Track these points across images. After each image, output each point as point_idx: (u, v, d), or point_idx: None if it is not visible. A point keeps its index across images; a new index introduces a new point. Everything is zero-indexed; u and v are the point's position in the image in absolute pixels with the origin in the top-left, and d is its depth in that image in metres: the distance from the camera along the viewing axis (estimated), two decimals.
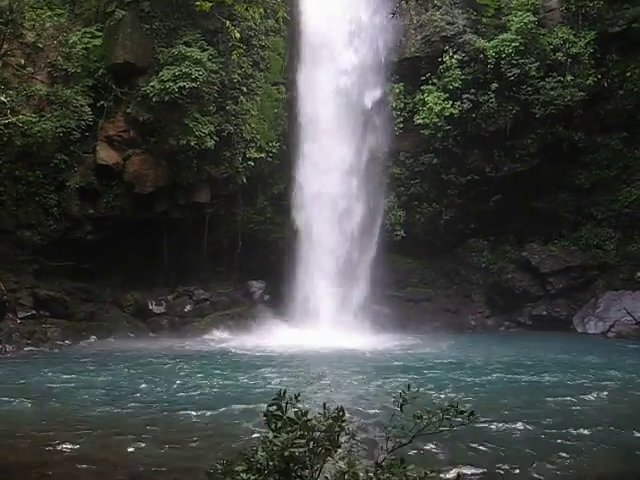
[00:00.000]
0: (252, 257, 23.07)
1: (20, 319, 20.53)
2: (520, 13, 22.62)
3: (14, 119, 19.27)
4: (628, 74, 22.94)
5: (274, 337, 20.33)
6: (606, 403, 12.26)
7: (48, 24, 20.94)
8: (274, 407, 4.02)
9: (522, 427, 10.25)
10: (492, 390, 13.49)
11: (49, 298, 21.33)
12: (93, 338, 20.52)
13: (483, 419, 9.93)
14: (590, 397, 12.47)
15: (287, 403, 4.02)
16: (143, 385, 13.81)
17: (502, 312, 24.30)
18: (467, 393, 12.81)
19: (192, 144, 20.92)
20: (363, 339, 19.53)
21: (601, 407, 11.98)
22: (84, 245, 22.26)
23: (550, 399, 12.38)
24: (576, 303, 23.92)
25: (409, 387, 4.18)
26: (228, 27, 14.32)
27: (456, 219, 24.47)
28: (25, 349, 18.87)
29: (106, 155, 21.77)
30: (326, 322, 20.87)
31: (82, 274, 22.13)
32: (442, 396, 12.00)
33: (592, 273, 24.24)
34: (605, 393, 12.82)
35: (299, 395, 4.10)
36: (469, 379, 14.57)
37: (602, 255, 24.35)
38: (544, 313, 23.80)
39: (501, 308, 24.36)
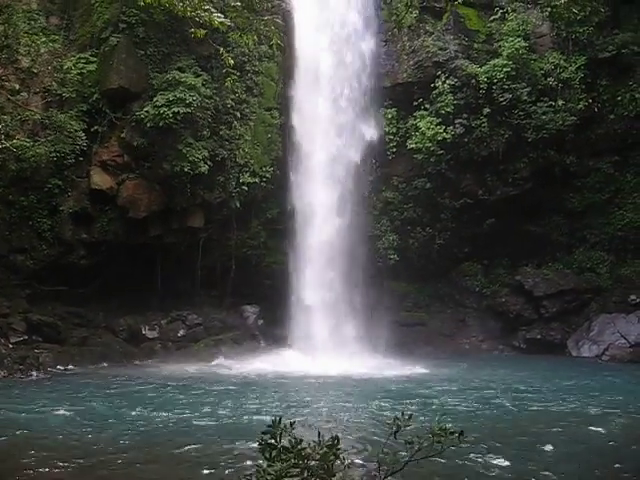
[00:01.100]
0: (246, 282, 23.01)
1: (12, 344, 20.36)
2: (511, 39, 22.87)
3: (8, 144, 19.28)
4: (619, 98, 23.17)
5: (268, 362, 20.21)
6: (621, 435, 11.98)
7: (43, 50, 21.00)
8: (268, 435, 3.99)
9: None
10: (502, 418, 13.22)
11: (42, 323, 21.18)
12: (85, 364, 20.35)
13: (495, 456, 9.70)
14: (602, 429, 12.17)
15: (281, 431, 3.99)
16: (133, 412, 13.66)
17: (496, 336, 24.30)
18: (471, 421, 12.46)
19: (186, 169, 20.96)
20: (357, 364, 19.44)
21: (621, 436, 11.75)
22: (77, 270, 22.17)
23: (570, 427, 12.12)
24: (570, 326, 23.93)
25: (403, 414, 4.17)
26: (222, 54, 14.45)
27: (450, 243, 24.54)
28: (16, 374, 18.71)
29: (100, 180, 21.77)
30: (320, 347, 20.75)
31: (75, 299, 22.00)
32: (449, 425, 11.76)
33: (586, 296, 24.28)
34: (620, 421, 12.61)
35: (294, 423, 4.07)
36: (471, 405, 14.40)
37: (595, 278, 24.41)
38: (538, 337, 23.79)
39: (495, 332, 24.35)
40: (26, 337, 20.73)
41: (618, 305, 23.72)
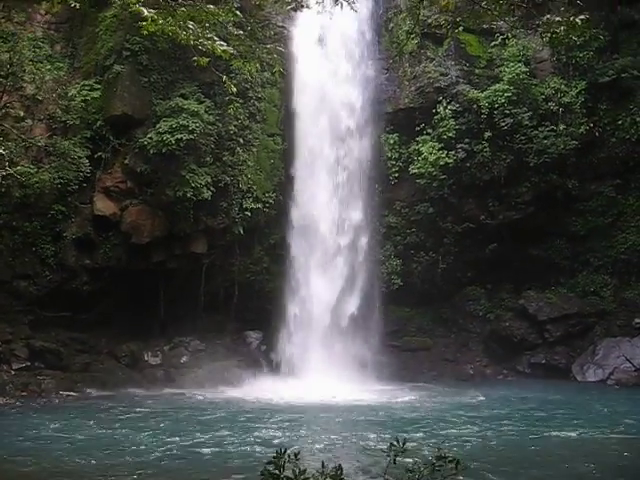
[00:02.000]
0: (249, 307, 22.99)
1: (14, 370, 20.37)
2: (512, 64, 23.01)
3: (12, 171, 19.38)
4: (619, 122, 23.27)
5: (271, 389, 20.11)
6: None
7: (48, 77, 21.20)
8: (272, 466, 3.97)
9: None
10: (520, 447, 13.00)
11: (44, 349, 21.19)
12: (88, 390, 20.28)
13: None
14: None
15: (285, 462, 3.97)
16: (137, 439, 13.59)
17: (500, 360, 24.15)
18: (488, 451, 12.18)
19: (189, 195, 21.04)
20: (360, 390, 19.36)
21: None
22: (80, 295, 22.14)
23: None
24: (575, 350, 23.80)
25: (398, 440, 4.15)
26: (225, 81, 14.57)
27: (453, 267, 24.50)
28: (19, 401, 18.64)
29: (103, 206, 21.85)
30: (323, 374, 20.60)
31: (78, 325, 21.99)
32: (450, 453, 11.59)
33: (590, 320, 24.17)
34: None
35: (299, 454, 4.05)
36: (483, 433, 14.23)
37: (599, 302, 24.33)
38: (543, 361, 23.66)
39: (499, 356, 24.21)
40: (28, 363, 20.74)
41: (622, 329, 23.62)
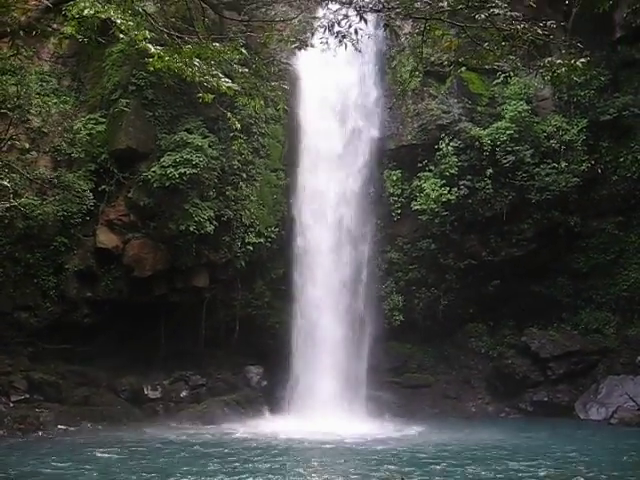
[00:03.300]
0: (250, 342, 22.88)
1: (13, 402, 20.32)
2: (514, 102, 23.19)
3: (17, 202, 19.47)
4: (621, 160, 23.40)
5: (271, 425, 20.00)
6: None
7: (54, 110, 21.42)
8: None
9: None
10: None
11: (43, 382, 21.13)
12: (86, 424, 20.14)
13: None
14: None
15: None
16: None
17: (503, 398, 23.97)
18: None
19: (191, 229, 21.11)
20: (362, 428, 19.21)
21: None
22: (80, 328, 22.11)
23: None
24: (577, 388, 23.64)
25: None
26: (229, 118, 14.75)
27: (455, 304, 24.43)
28: (16, 434, 18.50)
29: (106, 239, 21.90)
30: (322, 410, 20.46)
31: (77, 357, 21.93)
32: None
33: (592, 358, 24.04)
34: None
35: None
36: (484, 473, 14.04)
37: (602, 339, 24.23)
38: (545, 399, 23.49)
39: (502, 394, 24.04)
40: (27, 396, 20.69)
41: (625, 366, 23.48)
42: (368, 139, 23.41)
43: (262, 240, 22.66)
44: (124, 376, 22.38)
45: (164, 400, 22.22)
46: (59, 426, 19.65)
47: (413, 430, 19.74)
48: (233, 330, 23.09)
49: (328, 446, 17.32)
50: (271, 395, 22.53)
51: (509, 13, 11.59)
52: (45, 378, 21.17)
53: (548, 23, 12.63)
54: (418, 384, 24.07)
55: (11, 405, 20.18)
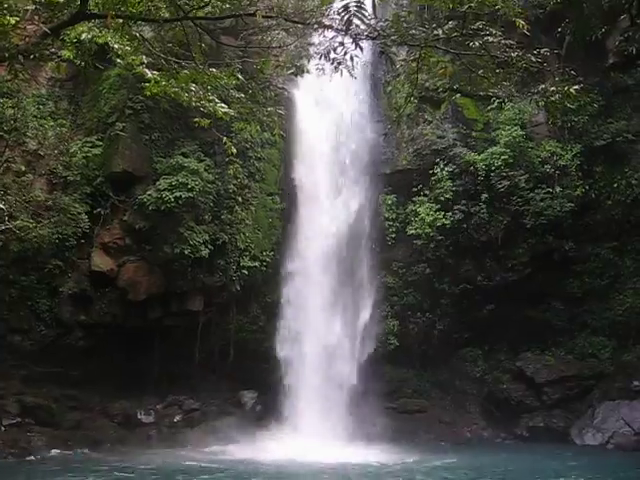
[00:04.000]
0: (244, 366, 22.76)
1: (4, 426, 20.12)
2: (508, 127, 23.37)
3: (11, 225, 19.44)
4: (615, 185, 23.52)
5: (265, 450, 19.82)
6: None
7: (50, 133, 21.45)
8: None
9: None
10: None
11: (35, 405, 20.93)
12: (79, 448, 19.95)
13: None
14: None
15: None
16: None
17: (498, 423, 23.86)
18: None
19: (186, 252, 21.12)
20: (357, 453, 19.08)
21: None
22: (74, 351, 21.96)
23: None
24: (573, 414, 23.54)
25: None
26: (225, 143, 14.82)
27: (450, 329, 24.42)
28: (8, 459, 18.32)
29: (101, 262, 21.85)
30: (319, 436, 20.33)
31: (70, 381, 21.73)
32: None
33: (588, 383, 23.98)
34: None
35: None
36: None
37: (597, 364, 24.17)
38: (541, 424, 23.37)
39: (497, 419, 23.93)
40: (19, 419, 20.48)
41: (621, 391, 23.39)
42: (363, 164, 23.52)
43: (257, 264, 22.65)
44: (117, 400, 22.21)
45: (157, 425, 22.05)
46: (51, 451, 19.45)
47: (409, 458, 19.57)
48: (227, 354, 22.99)
49: (324, 472, 17.18)
50: (265, 420, 22.38)
51: (503, 41, 11.72)
52: (37, 402, 20.96)
53: (542, 51, 12.78)
54: (413, 409, 23.94)
55: (2, 429, 19.99)
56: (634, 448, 21.01)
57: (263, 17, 12.52)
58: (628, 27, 20.42)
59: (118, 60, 15.32)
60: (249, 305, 23.38)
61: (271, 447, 20.18)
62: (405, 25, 11.75)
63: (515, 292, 23.71)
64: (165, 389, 22.61)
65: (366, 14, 9.60)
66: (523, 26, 11.37)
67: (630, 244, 24.22)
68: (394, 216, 23.80)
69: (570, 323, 24.79)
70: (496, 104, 23.61)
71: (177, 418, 22.28)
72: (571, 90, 11.91)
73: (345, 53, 11.15)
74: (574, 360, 24.30)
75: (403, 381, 24.35)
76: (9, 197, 19.84)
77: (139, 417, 22.13)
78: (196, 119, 15.17)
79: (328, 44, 11.32)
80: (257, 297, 23.44)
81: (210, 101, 13.51)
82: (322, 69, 12.00)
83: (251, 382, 23.06)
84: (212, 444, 20.92)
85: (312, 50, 13.23)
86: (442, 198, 22.97)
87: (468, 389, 24.75)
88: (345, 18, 9.36)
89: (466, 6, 10.70)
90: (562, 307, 24.70)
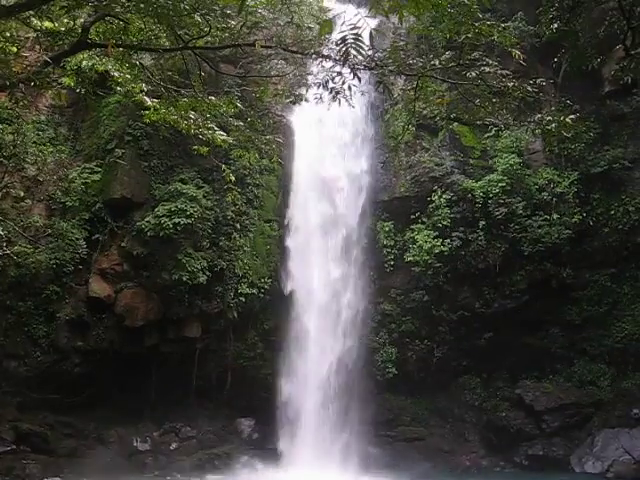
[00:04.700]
0: (241, 393, 22.65)
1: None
2: (505, 155, 23.46)
3: (9, 251, 19.46)
4: (612, 212, 23.53)
5: (262, 478, 19.66)
6: None
7: (50, 159, 21.60)
8: None
9: None
10: None
11: (31, 432, 20.78)
12: (74, 476, 19.72)
13: None
14: None
15: None
16: None
17: (497, 452, 23.61)
18: None
19: (184, 279, 21.13)
20: None
21: None
22: (70, 377, 21.89)
23: None
24: (573, 442, 23.30)
25: None
26: (224, 170, 14.91)
27: (448, 356, 24.28)
28: None
29: (98, 288, 21.83)
30: (316, 464, 20.16)
31: (66, 407, 21.63)
32: None
33: (587, 410, 23.76)
34: None
35: None
36: None
37: (597, 392, 23.99)
38: (540, 453, 23.11)
39: (496, 447, 23.68)
40: (14, 447, 20.31)
41: (620, 419, 23.19)
42: (361, 191, 23.61)
43: (255, 291, 22.63)
44: (113, 427, 22.07)
45: (153, 452, 21.88)
46: (46, 478, 19.26)
47: None
48: (224, 381, 22.90)
49: None
50: (262, 448, 22.18)
51: (500, 71, 11.84)
52: (33, 429, 20.82)
53: (538, 81, 12.90)
54: (412, 437, 23.67)
55: None
56: (634, 477, 20.80)
57: (262, 47, 12.66)
58: (623, 57, 20.60)
59: (118, 87, 15.42)
60: (247, 332, 23.30)
61: (268, 475, 20.02)
62: (403, 55, 11.88)
63: (513, 319, 23.65)
64: (162, 416, 22.46)
65: (363, 45, 9.68)
66: (519, 56, 11.52)
67: (628, 271, 24.18)
68: (392, 243, 23.79)
69: (569, 350, 24.69)
70: (493, 132, 23.76)
71: (173, 446, 22.11)
72: (567, 120, 12.02)
73: (343, 82, 11.28)
74: (573, 388, 24.13)
75: (401, 409, 24.14)
76: (7, 222, 19.88)
77: (135, 444, 21.96)
78: (195, 146, 15.33)
79: (326, 74, 11.45)
80: (255, 324, 23.37)
81: (209, 129, 13.65)
82: (320, 98, 12.12)
83: (248, 409, 22.93)
84: (208, 473, 20.73)
85: (310, 79, 13.33)
86: (440, 225, 22.99)
87: (467, 417, 24.55)
88: (343, 50, 9.43)
89: (463, 36, 10.82)
90: (561, 334, 24.61)
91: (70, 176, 21.93)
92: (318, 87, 11.70)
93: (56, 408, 21.45)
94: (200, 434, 22.47)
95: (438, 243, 22.75)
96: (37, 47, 15.57)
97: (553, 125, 12.47)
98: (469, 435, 24.27)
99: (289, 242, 23.10)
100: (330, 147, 23.44)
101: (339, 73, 11.21)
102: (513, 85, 11.80)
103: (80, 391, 21.84)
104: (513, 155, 23.38)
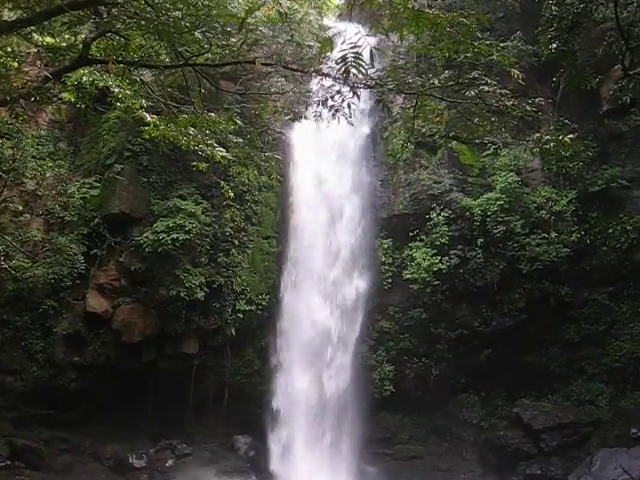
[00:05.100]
0: (238, 410, 22.53)
1: None
2: (504, 173, 23.53)
3: (7, 265, 19.43)
4: (610, 231, 23.53)
5: None
6: None
7: (49, 174, 21.60)
8: None
9: None
10: None
11: (26, 448, 20.61)
12: None
13: None
14: None
15: None
16: None
17: (495, 471, 23.41)
18: None
19: (182, 295, 21.09)
20: None
21: None
22: (66, 393, 21.77)
23: None
24: (571, 461, 23.08)
25: None
26: (223, 187, 14.92)
27: (446, 374, 24.18)
28: None
29: (96, 303, 21.77)
30: None
31: (62, 423, 21.52)
32: None
33: (586, 429, 23.60)
34: None
35: None
36: None
37: (595, 411, 23.83)
38: (538, 472, 22.90)
39: (494, 467, 23.48)
40: (9, 462, 20.10)
41: (619, 439, 22.99)
42: (360, 209, 23.66)
43: (253, 307, 22.59)
44: (109, 443, 21.91)
45: (149, 469, 21.67)
46: None
47: None
48: (221, 398, 22.77)
49: None
50: (259, 466, 22.03)
51: (498, 90, 11.90)
52: (28, 444, 20.65)
53: (537, 100, 12.98)
54: (409, 455, 23.52)
55: None
56: None
57: (262, 64, 12.70)
58: (622, 77, 20.72)
59: (118, 103, 15.49)
60: (244, 348, 23.22)
61: None
62: (402, 74, 11.95)
63: (512, 337, 23.57)
64: (158, 433, 22.31)
65: (363, 63, 9.74)
66: (518, 75, 11.57)
67: (626, 290, 24.12)
68: (390, 260, 23.79)
69: (567, 369, 24.58)
70: (492, 150, 23.82)
71: (169, 463, 21.92)
72: (566, 139, 12.07)
73: (343, 101, 11.33)
74: (571, 407, 23.98)
75: (399, 427, 24.01)
76: (6, 237, 19.88)
77: (131, 461, 21.75)
78: (194, 162, 15.38)
79: (326, 92, 11.50)
80: (252, 341, 23.31)
81: (208, 145, 13.68)
82: (320, 115, 12.17)
83: (245, 426, 22.79)
84: None
85: (310, 97, 13.40)
86: (438, 243, 23.00)
87: (465, 435, 24.40)
88: (343, 68, 9.49)
89: (462, 56, 10.88)
90: (559, 353, 24.51)
91: (69, 191, 21.92)
92: (318, 105, 11.76)
93: (52, 423, 21.34)
94: (196, 451, 22.30)
95: (436, 261, 22.75)
96: (38, 62, 15.67)
97: (551, 144, 12.52)
98: (467, 454, 24.11)
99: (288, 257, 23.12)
100: (329, 164, 23.49)
101: (338, 92, 11.27)
102: (512, 104, 11.87)
103: (76, 406, 21.74)
104: (511, 173, 23.44)
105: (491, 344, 23.77)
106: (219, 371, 22.91)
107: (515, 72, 11.41)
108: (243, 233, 22.99)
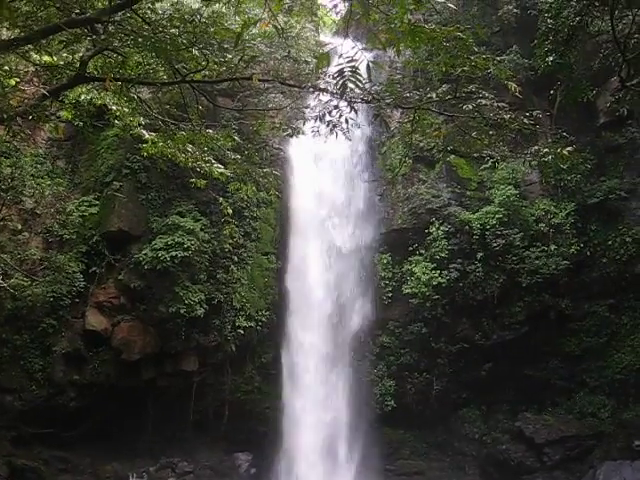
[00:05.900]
0: (239, 427, 22.39)
1: None
2: (502, 186, 23.53)
3: (6, 284, 19.37)
4: (609, 243, 23.52)
5: None
6: None
7: (47, 192, 21.58)
8: None
9: None
10: None
11: (25, 467, 20.53)
12: None
13: None
14: None
15: None
16: None
17: None
18: None
19: (182, 312, 21.03)
20: None
21: None
22: (66, 412, 21.67)
23: None
24: (574, 474, 22.94)
25: None
26: (221, 203, 14.91)
27: (447, 388, 24.05)
28: None
29: (95, 321, 21.72)
30: None
31: (61, 442, 21.41)
32: None
33: (589, 442, 23.47)
34: None
35: None
36: None
37: (597, 424, 23.70)
38: None
39: None
40: None
41: (622, 451, 22.87)
42: (359, 223, 23.66)
43: (252, 324, 22.52)
44: (109, 462, 21.77)
45: None
46: None
47: None
48: (222, 415, 22.64)
49: None
50: None
51: (496, 103, 11.92)
52: (27, 463, 20.59)
53: (534, 113, 12.99)
54: (411, 471, 23.35)
55: None
56: None
57: (259, 80, 12.72)
58: (618, 89, 20.81)
59: (116, 121, 15.51)
60: (244, 365, 23.12)
61: None
62: (399, 88, 11.97)
63: (513, 351, 23.48)
64: (158, 451, 22.17)
65: (360, 78, 9.74)
66: (515, 89, 11.59)
67: (626, 301, 24.06)
68: (390, 275, 23.75)
69: (569, 382, 24.46)
70: (490, 164, 23.80)
71: None
72: (563, 151, 12.08)
73: (340, 116, 11.34)
74: (574, 420, 23.85)
75: (400, 442, 23.85)
76: (4, 255, 19.84)
77: None
78: (193, 179, 15.35)
79: (324, 107, 11.51)
80: (252, 357, 23.22)
81: (207, 162, 13.68)
82: (317, 131, 12.17)
83: (246, 444, 22.63)
84: None
85: (308, 112, 13.40)
86: (438, 257, 22.96)
87: (467, 450, 24.21)
88: (340, 83, 9.49)
89: (459, 70, 10.90)
90: (560, 365, 24.41)
91: (68, 209, 21.95)
92: (315, 120, 11.76)
93: (51, 442, 21.23)
94: (197, 469, 22.14)
95: (436, 275, 22.69)
96: (36, 80, 15.68)
97: (549, 157, 12.53)
98: (469, 469, 23.92)
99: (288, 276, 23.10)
100: (328, 179, 23.52)
101: (336, 107, 11.27)
102: (509, 117, 11.88)
103: (76, 425, 21.63)
104: (510, 187, 23.44)
105: (492, 358, 23.67)
106: (219, 388, 22.79)
107: (512, 85, 11.43)
108: (242, 249, 22.97)
